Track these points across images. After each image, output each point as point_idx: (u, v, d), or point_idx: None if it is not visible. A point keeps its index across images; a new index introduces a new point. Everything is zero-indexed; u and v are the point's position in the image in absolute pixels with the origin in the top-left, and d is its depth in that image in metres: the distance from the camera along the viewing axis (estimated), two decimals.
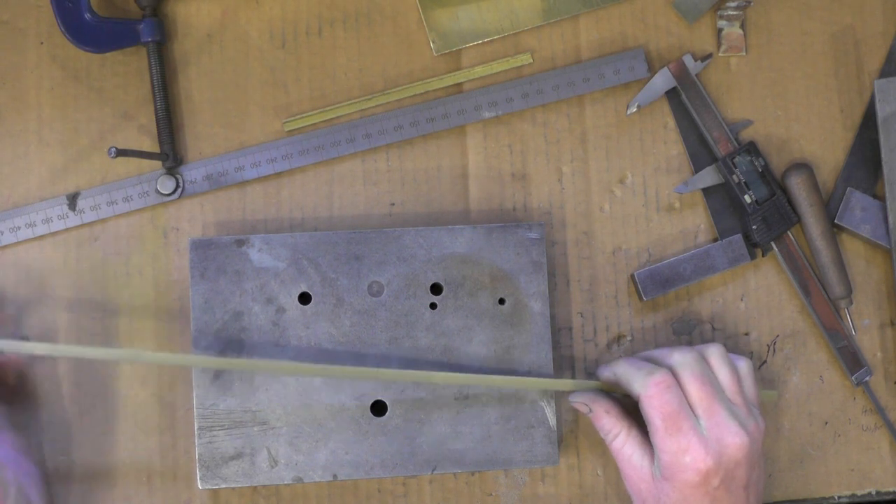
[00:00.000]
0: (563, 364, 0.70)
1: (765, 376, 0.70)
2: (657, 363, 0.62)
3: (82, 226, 0.69)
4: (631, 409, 0.63)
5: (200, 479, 0.63)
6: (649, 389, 0.60)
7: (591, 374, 0.70)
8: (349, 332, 0.65)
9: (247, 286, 0.64)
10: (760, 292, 0.71)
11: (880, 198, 0.70)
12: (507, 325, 0.65)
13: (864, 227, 0.70)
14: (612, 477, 0.69)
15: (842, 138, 0.72)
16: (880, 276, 0.72)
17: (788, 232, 0.70)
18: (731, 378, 0.62)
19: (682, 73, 0.71)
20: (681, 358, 0.61)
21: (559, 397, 0.68)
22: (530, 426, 0.65)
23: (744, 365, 0.63)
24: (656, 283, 0.70)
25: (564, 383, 0.65)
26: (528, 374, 0.65)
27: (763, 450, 0.62)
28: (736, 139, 0.71)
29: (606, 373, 0.64)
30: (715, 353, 0.62)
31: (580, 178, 0.71)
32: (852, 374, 0.70)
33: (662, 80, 0.71)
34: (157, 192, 0.69)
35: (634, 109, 0.71)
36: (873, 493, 0.71)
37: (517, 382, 0.64)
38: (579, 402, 0.65)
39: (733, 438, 0.59)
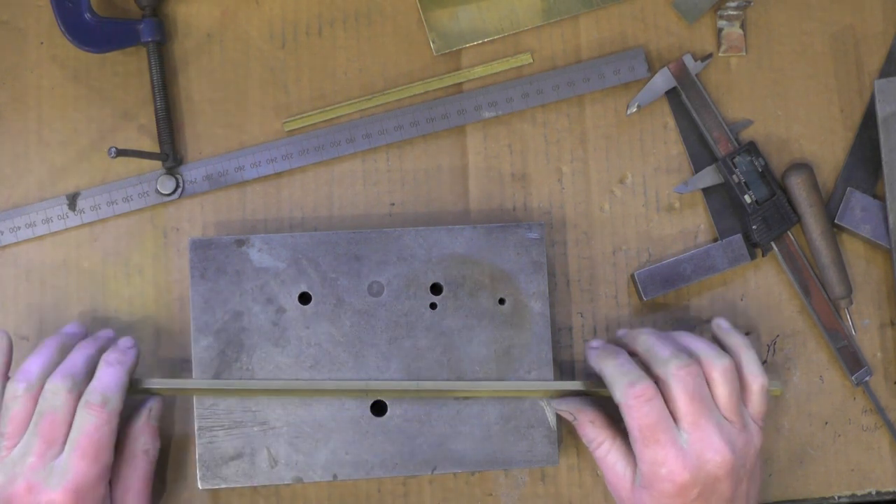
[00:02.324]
0: (563, 364, 0.70)
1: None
2: (655, 361, 0.61)
3: (82, 226, 0.69)
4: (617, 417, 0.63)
5: (200, 479, 0.63)
6: (629, 400, 0.59)
7: (591, 374, 0.70)
8: (349, 332, 0.65)
9: (247, 286, 0.64)
10: (760, 292, 0.71)
11: (880, 198, 0.70)
12: (507, 325, 0.65)
13: (864, 227, 0.70)
14: None
15: (842, 138, 0.72)
16: (880, 276, 0.72)
17: (788, 232, 0.70)
18: (730, 397, 0.60)
19: (682, 73, 0.71)
20: (677, 370, 0.60)
21: (559, 397, 0.68)
22: (530, 426, 0.65)
23: (757, 386, 0.62)
24: (656, 283, 0.70)
25: (546, 385, 0.64)
26: (528, 374, 0.65)
27: (758, 461, 0.61)
28: (736, 139, 0.71)
29: (592, 362, 0.63)
30: (719, 368, 0.60)
31: (580, 178, 0.71)
32: (852, 374, 0.70)
33: (662, 80, 0.71)
34: (157, 192, 0.69)
35: (634, 109, 0.71)
36: (873, 493, 0.71)
37: (507, 388, 0.64)
38: (564, 410, 0.65)
39: (714, 455, 0.58)
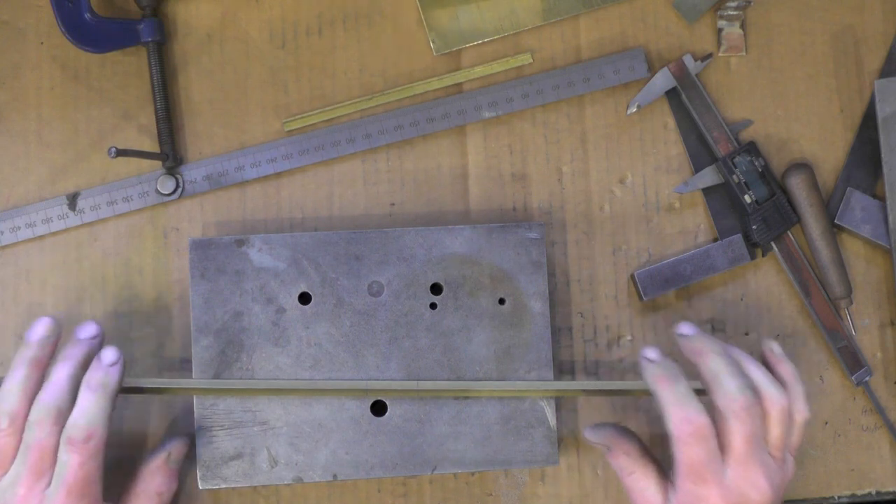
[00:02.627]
0: (564, 364, 0.70)
1: None
2: (718, 391, 0.58)
3: (82, 226, 0.69)
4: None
5: (200, 479, 0.63)
6: (682, 435, 0.57)
7: (591, 374, 0.70)
8: (349, 332, 0.65)
9: (247, 286, 0.64)
10: (760, 292, 0.71)
11: (880, 198, 0.71)
12: (507, 325, 0.65)
13: (864, 227, 0.70)
14: (612, 477, 0.69)
15: (842, 138, 0.72)
16: (880, 276, 0.72)
17: (788, 232, 0.70)
18: (781, 437, 0.59)
19: (682, 73, 0.71)
20: (741, 410, 0.57)
21: (559, 397, 0.68)
22: (530, 426, 0.65)
23: (801, 419, 0.61)
24: (656, 283, 0.70)
25: (546, 385, 0.64)
26: (528, 374, 0.65)
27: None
28: (736, 139, 0.71)
29: (647, 378, 0.60)
30: (778, 408, 0.59)
31: (580, 178, 0.71)
32: (852, 374, 0.70)
33: (662, 80, 0.71)
34: (157, 192, 0.69)
35: (634, 109, 0.71)
36: (873, 493, 0.71)
37: (507, 388, 0.64)
38: (598, 442, 0.63)
39: (756, 495, 0.58)
